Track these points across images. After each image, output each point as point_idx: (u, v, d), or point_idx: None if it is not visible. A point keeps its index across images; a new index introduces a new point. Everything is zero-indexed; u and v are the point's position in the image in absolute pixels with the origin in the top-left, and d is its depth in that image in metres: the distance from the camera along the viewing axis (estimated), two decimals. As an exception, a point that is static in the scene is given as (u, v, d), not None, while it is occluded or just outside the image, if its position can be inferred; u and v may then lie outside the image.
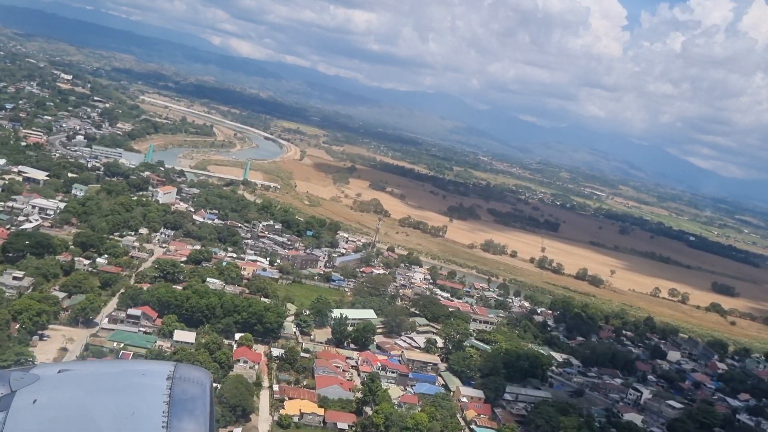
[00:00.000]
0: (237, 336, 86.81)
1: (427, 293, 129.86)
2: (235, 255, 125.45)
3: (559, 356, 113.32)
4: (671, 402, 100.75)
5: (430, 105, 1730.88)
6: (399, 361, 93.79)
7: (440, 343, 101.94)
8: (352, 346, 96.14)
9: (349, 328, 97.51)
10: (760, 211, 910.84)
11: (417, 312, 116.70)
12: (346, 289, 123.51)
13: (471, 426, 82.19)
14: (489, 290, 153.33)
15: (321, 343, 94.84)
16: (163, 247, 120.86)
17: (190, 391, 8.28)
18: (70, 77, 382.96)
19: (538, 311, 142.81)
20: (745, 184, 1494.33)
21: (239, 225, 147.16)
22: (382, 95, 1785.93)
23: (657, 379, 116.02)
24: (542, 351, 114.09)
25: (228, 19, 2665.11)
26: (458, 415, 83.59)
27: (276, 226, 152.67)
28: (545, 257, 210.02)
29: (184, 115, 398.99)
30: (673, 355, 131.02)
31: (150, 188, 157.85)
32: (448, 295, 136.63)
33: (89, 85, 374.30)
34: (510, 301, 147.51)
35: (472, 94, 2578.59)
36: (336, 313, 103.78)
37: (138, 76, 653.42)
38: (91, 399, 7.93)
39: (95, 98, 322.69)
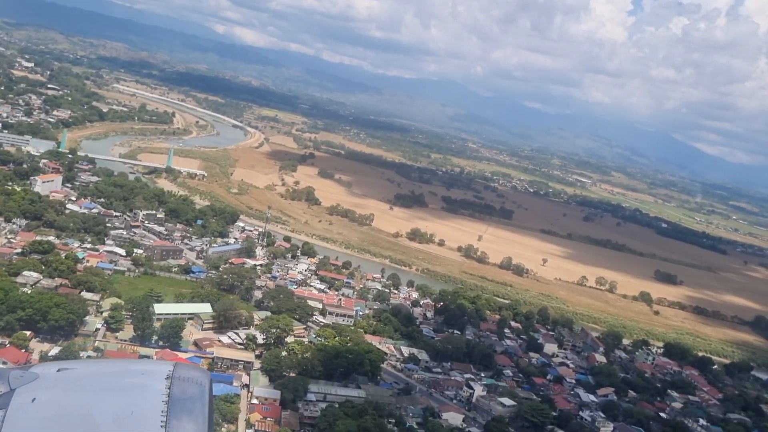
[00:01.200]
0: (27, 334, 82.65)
1: (290, 287, 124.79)
2: (91, 246, 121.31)
3: (407, 351, 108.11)
4: (502, 399, 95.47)
5: (434, 92, 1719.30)
6: (204, 360, 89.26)
7: (260, 339, 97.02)
8: (161, 343, 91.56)
9: (156, 324, 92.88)
10: (760, 197, 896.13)
11: (265, 305, 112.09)
12: (204, 282, 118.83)
13: (254, 430, 77.60)
14: (379, 281, 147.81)
15: (124, 341, 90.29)
16: (7, 238, 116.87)
17: (189, 391, 8.60)
18: (31, 65, 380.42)
19: (421, 303, 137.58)
20: (751, 169, 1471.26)
21: (117, 214, 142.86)
22: (386, 82, 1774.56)
23: (514, 374, 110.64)
24: (391, 346, 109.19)
25: (231, 7, 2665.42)
26: (243, 419, 79.00)
27: (158, 215, 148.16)
28: (471, 246, 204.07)
29: (149, 102, 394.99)
30: (550, 348, 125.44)
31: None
32: (324, 287, 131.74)
33: (49, 73, 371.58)
34: (396, 292, 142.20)
35: (476, 81, 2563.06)
36: (160, 308, 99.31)
37: (122, 65, 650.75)
38: (90, 398, 8.24)
39: (49, 86, 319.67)
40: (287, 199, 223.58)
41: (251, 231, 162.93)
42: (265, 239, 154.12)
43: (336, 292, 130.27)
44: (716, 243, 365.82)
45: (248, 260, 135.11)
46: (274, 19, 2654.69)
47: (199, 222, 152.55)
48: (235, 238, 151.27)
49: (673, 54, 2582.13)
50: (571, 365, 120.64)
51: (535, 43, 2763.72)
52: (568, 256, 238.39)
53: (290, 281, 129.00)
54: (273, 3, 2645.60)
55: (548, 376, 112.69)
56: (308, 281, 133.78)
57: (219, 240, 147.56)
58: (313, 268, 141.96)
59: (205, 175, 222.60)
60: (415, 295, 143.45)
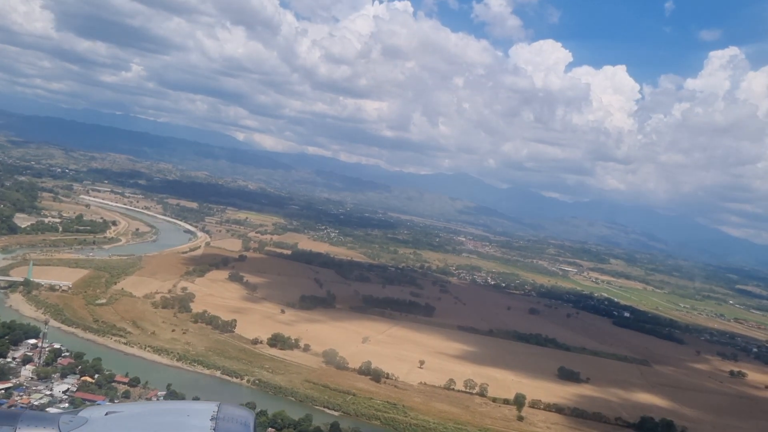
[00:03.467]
0: None
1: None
2: None
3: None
4: None
5: (449, 187, 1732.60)
6: None
7: None
8: None
9: None
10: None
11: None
12: None
13: None
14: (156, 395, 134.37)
15: None
16: None
17: (234, 430, 8.92)
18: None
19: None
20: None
21: None
22: (400, 179, 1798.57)
23: None
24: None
25: (248, 116, 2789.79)
26: None
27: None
28: (334, 351, 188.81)
29: (103, 212, 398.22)
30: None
31: None
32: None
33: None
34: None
35: (490, 174, 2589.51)
36: None
37: (110, 176, 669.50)
38: None
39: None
40: (158, 307, 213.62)
41: (46, 347, 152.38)
42: (42, 357, 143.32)
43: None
44: (682, 332, 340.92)
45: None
46: (290, 125, 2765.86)
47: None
48: (13, 357, 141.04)
49: (679, 139, 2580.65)
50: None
51: (541, 134, 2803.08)
52: (465, 355, 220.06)
53: (21, 406, 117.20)
54: (287, 110, 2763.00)
55: None
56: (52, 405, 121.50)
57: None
58: (74, 389, 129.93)
59: (70, 286, 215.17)
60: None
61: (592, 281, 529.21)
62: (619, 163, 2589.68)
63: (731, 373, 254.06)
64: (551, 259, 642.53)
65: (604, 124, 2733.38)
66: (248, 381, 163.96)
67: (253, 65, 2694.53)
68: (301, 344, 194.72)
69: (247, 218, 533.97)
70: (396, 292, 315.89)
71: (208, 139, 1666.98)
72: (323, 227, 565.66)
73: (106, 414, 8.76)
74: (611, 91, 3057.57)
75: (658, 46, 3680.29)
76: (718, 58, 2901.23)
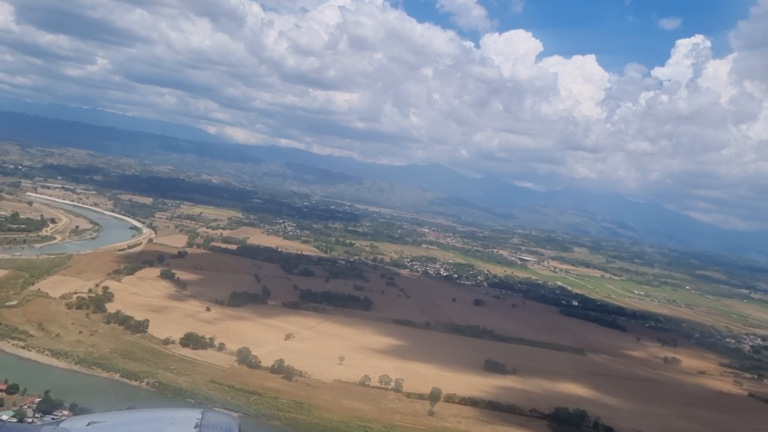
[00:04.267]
0: None
1: None
2: None
3: None
4: None
5: (422, 178, 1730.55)
6: None
7: None
8: None
9: None
10: (741, 264, 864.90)
11: None
12: None
13: None
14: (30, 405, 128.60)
15: None
16: None
17: None
18: None
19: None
20: (746, 236, 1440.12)
21: None
22: (373, 171, 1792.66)
23: None
24: None
25: (219, 109, 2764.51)
26: None
27: None
28: (247, 349, 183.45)
29: (46, 209, 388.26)
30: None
31: None
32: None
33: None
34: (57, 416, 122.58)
35: (463, 164, 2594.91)
36: None
37: (66, 171, 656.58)
38: None
39: None
40: (72, 308, 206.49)
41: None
42: None
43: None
44: (628, 319, 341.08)
45: None
46: (261, 117, 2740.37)
47: None
48: None
49: (645, 127, 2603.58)
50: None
51: (510, 124, 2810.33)
52: (392, 350, 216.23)
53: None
54: (257, 102, 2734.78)
55: None
56: None
57: None
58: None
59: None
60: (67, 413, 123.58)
61: (551, 270, 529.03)
62: (589, 152, 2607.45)
63: (665, 359, 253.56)
64: (514, 248, 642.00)
65: (573, 114, 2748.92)
66: (147, 383, 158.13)
67: (220, 57, 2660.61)
68: (216, 343, 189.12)
69: (201, 213, 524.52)
70: (339, 286, 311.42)
71: (178, 132, 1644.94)
72: (281, 221, 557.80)
73: (88, 424, 8.71)
74: (581, 80, 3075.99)
75: (627, 35, 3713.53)
76: (684, 46, 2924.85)
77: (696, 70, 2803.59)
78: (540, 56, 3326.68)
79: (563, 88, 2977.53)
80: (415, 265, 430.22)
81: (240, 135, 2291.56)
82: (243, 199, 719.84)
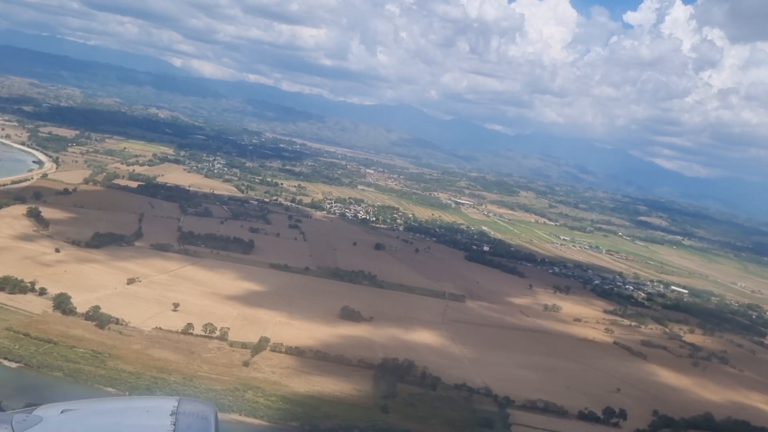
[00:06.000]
0: None
1: None
2: None
3: None
4: None
5: (391, 118, 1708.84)
6: None
7: None
8: None
9: None
10: (692, 210, 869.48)
11: None
12: None
13: None
14: None
15: None
16: None
17: (195, 426, 8.65)
18: None
19: None
20: (707, 182, 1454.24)
21: None
22: (342, 110, 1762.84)
23: None
24: None
25: (183, 41, 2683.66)
26: None
27: None
28: (65, 294, 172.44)
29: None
30: None
31: None
32: None
33: None
34: None
35: (433, 105, 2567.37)
36: None
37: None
38: None
39: None
40: None
41: None
42: None
43: None
44: (534, 265, 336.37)
45: None
46: (227, 51, 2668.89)
47: None
48: None
49: (610, 72, 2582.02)
50: None
51: (477, 66, 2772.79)
52: (246, 296, 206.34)
53: None
54: (221, 35, 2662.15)
55: None
56: None
57: None
58: None
59: None
60: None
61: (484, 214, 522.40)
62: (555, 96, 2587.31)
63: (545, 307, 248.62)
64: (457, 191, 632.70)
65: (537, 57, 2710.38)
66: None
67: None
68: (38, 288, 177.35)
69: (125, 148, 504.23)
70: (233, 228, 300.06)
71: (138, 64, 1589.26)
72: (212, 158, 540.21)
73: (62, 412, 8.28)
74: (553, 22, 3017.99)
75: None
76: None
77: (659, 15, 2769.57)
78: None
79: (533, 30, 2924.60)
80: (335, 207, 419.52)
81: (206, 69, 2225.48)
82: (185, 135, 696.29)
